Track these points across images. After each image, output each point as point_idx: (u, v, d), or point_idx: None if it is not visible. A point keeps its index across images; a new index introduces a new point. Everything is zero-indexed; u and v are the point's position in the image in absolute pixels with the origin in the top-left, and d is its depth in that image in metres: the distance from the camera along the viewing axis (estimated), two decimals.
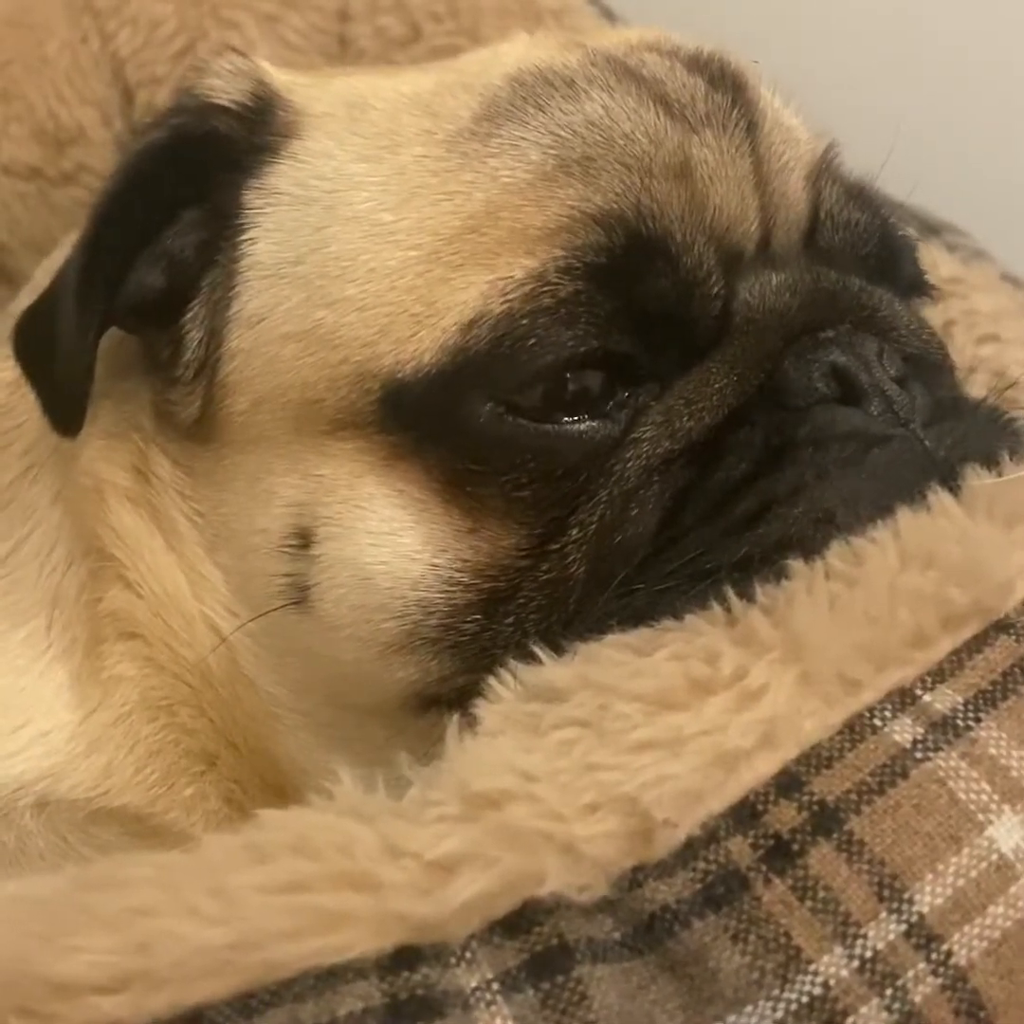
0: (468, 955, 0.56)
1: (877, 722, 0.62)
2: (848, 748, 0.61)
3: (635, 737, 0.61)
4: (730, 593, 0.66)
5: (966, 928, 0.59)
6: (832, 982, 0.57)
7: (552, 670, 0.65)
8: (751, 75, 0.85)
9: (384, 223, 0.78)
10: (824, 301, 0.78)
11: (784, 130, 0.84)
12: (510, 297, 0.73)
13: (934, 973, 0.58)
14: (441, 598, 0.75)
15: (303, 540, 0.78)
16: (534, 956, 0.57)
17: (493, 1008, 0.55)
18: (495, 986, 0.56)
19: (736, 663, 0.62)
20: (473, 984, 0.56)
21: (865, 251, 0.84)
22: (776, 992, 0.57)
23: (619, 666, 0.64)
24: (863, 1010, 0.57)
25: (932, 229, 1.22)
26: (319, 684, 0.81)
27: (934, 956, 0.58)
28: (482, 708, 0.64)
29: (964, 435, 0.76)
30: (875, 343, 0.77)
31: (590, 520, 0.73)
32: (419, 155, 0.79)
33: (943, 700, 0.62)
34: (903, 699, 0.62)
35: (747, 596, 0.66)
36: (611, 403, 0.75)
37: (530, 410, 0.74)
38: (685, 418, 0.74)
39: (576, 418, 0.74)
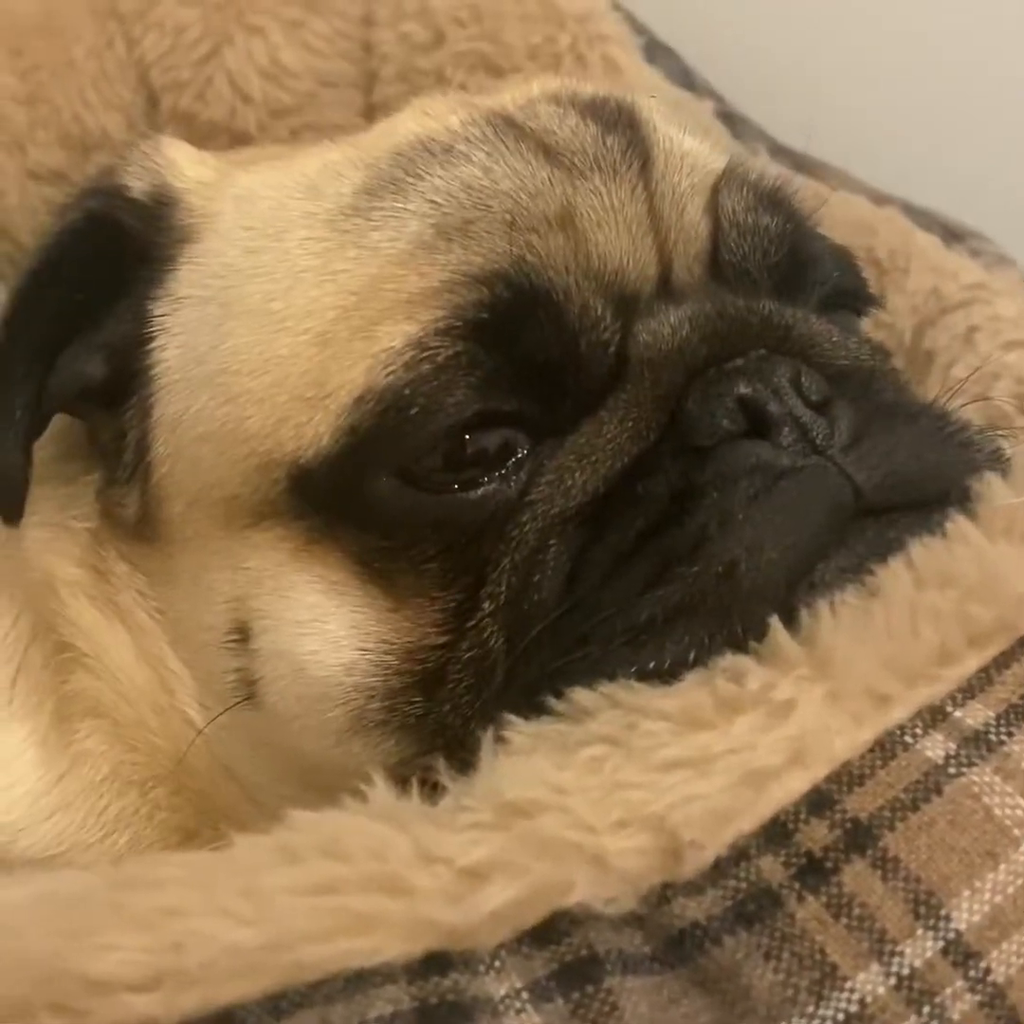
0: (497, 964, 0.56)
1: (908, 739, 0.62)
2: (880, 765, 0.61)
3: (662, 756, 0.61)
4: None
5: (1004, 945, 0.58)
6: (869, 999, 0.56)
7: (579, 690, 0.66)
8: (645, 110, 0.85)
9: (274, 312, 0.77)
10: (730, 329, 0.75)
11: (680, 159, 0.82)
12: (392, 368, 0.72)
13: (972, 990, 0.57)
14: (377, 681, 0.74)
15: (242, 635, 0.78)
16: (564, 966, 0.56)
17: (523, 1016, 0.55)
18: (525, 995, 0.55)
19: (763, 680, 0.63)
20: (502, 992, 0.55)
21: (776, 258, 0.81)
22: (811, 1009, 0.56)
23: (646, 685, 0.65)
24: None
25: (956, 235, 1.20)
26: (292, 772, 0.80)
27: (972, 973, 0.57)
28: (512, 730, 0.65)
29: (893, 448, 0.72)
30: (789, 367, 0.73)
31: (498, 590, 0.72)
32: (302, 238, 0.78)
33: (974, 715, 0.62)
34: (933, 715, 0.62)
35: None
36: (509, 463, 0.73)
37: (430, 480, 0.72)
38: (576, 473, 0.72)
39: (474, 483, 0.72)
